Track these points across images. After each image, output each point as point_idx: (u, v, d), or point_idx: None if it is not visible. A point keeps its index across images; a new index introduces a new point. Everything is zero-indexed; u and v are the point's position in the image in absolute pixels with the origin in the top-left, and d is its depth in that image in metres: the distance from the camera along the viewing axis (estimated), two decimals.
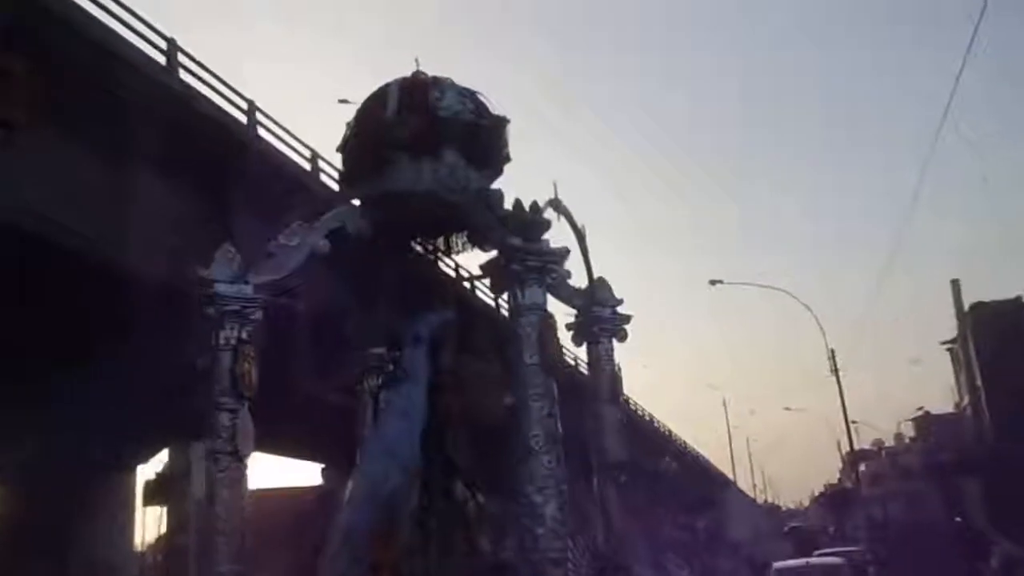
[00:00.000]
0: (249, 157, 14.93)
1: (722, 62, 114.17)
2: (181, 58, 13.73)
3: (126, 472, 18.53)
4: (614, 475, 5.29)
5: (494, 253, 5.49)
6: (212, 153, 13.46)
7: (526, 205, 5.28)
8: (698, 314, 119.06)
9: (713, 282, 30.90)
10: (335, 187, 17.74)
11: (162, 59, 13.35)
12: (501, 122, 5.71)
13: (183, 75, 13.81)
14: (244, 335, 5.13)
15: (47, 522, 15.30)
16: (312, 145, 17.07)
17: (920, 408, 38.58)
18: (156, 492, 23.30)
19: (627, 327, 6.16)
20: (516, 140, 5.78)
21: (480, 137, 5.58)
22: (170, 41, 13.41)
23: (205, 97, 14.29)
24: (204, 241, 15.22)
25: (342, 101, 24.97)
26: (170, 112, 12.38)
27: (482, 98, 5.68)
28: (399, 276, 5.71)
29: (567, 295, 5.90)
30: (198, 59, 14.00)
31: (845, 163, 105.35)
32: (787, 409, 46.17)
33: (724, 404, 48.77)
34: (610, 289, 6.14)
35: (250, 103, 15.52)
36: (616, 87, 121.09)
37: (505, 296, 5.28)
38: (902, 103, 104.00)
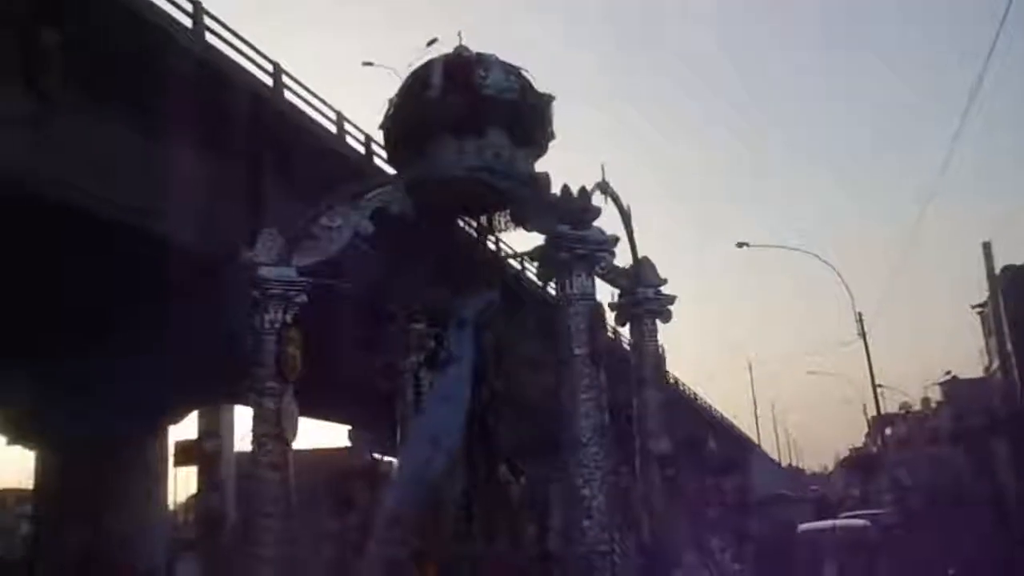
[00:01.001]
0: (276, 121, 14.86)
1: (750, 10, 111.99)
2: (207, 21, 13.62)
3: (158, 434, 18.82)
4: (661, 469, 5.21)
5: (537, 234, 5.39)
6: (241, 118, 13.40)
7: (574, 187, 5.15)
8: (724, 277, 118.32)
9: (740, 244, 30.60)
10: (361, 149, 17.71)
11: (188, 22, 13.24)
12: (546, 100, 5.57)
13: (209, 38, 13.71)
14: (288, 318, 5.08)
15: (83, 484, 15.59)
16: (338, 108, 16.96)
17: (948, 372, 38.17)
18: (188, 453, 23.78)
19: (671, 307, 6.07)
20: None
21: (525, 115, 5.45)
22: (196, 3, 13.28)
23: (232, 61, 14.20)
24: (234, 207, 15.35)
25: (367, 64, 24.49)
26: (199, 77, 12.31)
27: (527, 75, 5.54)
28: (443, 255, 5.62)
29: (612, 276, 5.80)
30: (223, 21, 13.87)
31: (877, 125, 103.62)
32: (812, 373, 46.02)
33: (749, 367, 48.56)
34: (654, 269, 6.03)
35: (276, 65, 15.38)
36: (647, 52, 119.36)
37: (553, 281, 5.16)
38: (939, 63, 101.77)
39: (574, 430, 4.75)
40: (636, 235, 5.86)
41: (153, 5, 12.48)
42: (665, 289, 6.02)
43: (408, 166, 5.49)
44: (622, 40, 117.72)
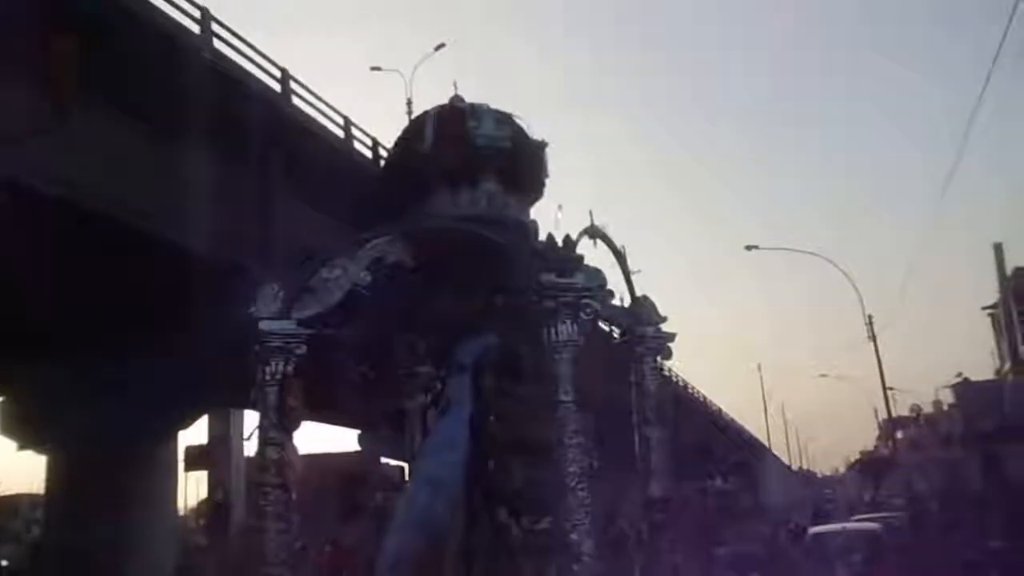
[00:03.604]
0: (285, 126, 15.04)
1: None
2: (216, 28, 13.81)
3: (169, 439, 19.01)
4: (650, 514, 5.28)
5: None
6: (250, 123, 13.59)
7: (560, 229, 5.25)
8: (733, 280, 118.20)
9: (749, 247, 30.72)
10: (368, 154, 17.88)
11: (197, 29, 13.43)
12: (539, 147, 5.68)
13: (218, 45, 13.91)
14: (289, 369, 5.19)
15: (93, 489, 15.79)
16: (345, 112, 17.14)
17: (959, 374, 38.02)
18: (198, 458, 23.95)
19: (671, 344, 6.14)
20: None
21: (518, 163, 5.57)
22: (203, 10, 13.47)
23: (241, 67, 14.41)
24: (244, 211, 15.47)
25: (374, 69, 24.86)
26: (208, 83, 12.50)
27: (520, 122, 5.65)
28: (443, 301, 5.70)
29: (609, 315, 5.87)
30: (231, 27, 14.08)
31: (886, 129, 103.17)
32: (823, 376, 45.79)
33: (759, 369, 48.49)
34: (654, 307, 6.09)
35: (284, 71, 15.61)
36: (649, 47, 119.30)
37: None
38: (951, 59, 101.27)
39: (562, 475, 4.84)
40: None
41: (163, 13, 12.68)
42: (666, 327, 6.10)
43: (405, 215, 5.59)
44: (632, 42, 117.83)
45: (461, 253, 5.46)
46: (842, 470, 64.91)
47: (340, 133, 17.27)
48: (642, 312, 6.03)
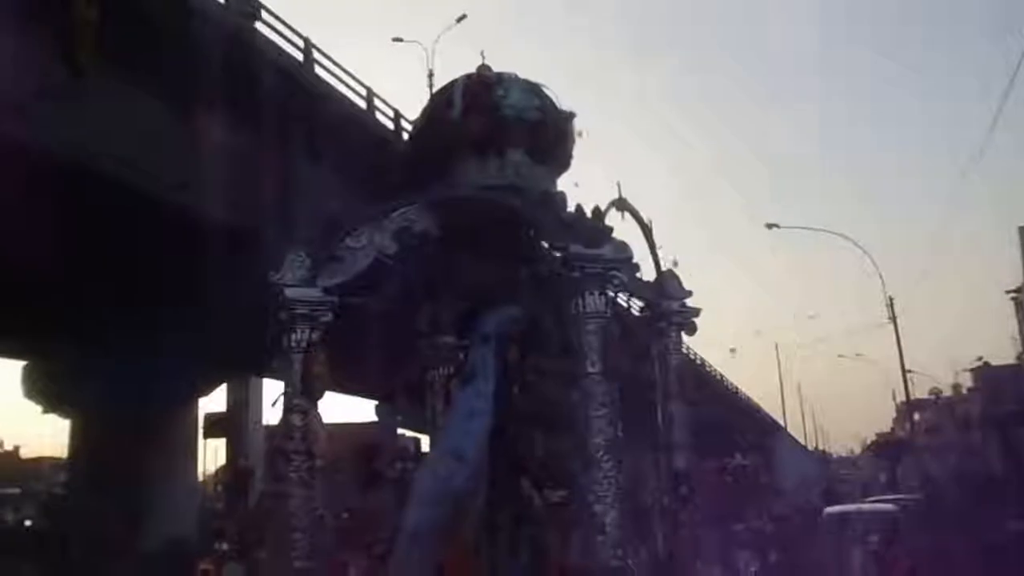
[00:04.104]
0: (306, 95, 15.00)
1: None
2: None
3: (189, 405, 19.22)
4: (675, 487, 5.27)
5: None
6: (271, 92, 13.56)
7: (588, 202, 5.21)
8: (752, 258, 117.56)
9: (769, 226, 30.54)
10: (390, 125, 17.81)
11: None
12: (567, 117, 5.63)
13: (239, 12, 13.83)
14: (314, 337, 5.19)
15: (116, 454, 16.01)
16: (368, 83, 17.06)
17: (980, 358, 37.71)
18: (216, 425, 24.21)
19: (695, 320, 6.10)
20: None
21: (546, 134, 5.53)
22: None
23: (263, 36, 14.36)
24: (264, 181, 15.45)
25: (395, 40, 24.72)
26: (230, 52, 12.45)
27: (548, 92, 5.60)
28: (468, 271, 5.69)
29: (634, 289, 5.84)
30: None
31: (909, 109, 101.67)
32: (841, 356, 45.40)
33: (776, 349, 48.23)
34: (679, 281, 6.04)
35: (306, 40, 15.54)
36: (670, 21, 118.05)
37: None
38: (978, 36, 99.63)
39: (587, 447, 4.84)
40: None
41: None
42: (690, 301, 6.06)
43: (431, 186, 5.56)
44: (659, 14, 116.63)
45: (487, 223, 5.44)
46: (857, 451, 64.73)
47: (362, 104, 17.21)
48: (667, 286, 5.99)
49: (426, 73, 24.47)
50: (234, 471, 22.61)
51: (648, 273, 5.99)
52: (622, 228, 5.68)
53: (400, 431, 12.94)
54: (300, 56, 15.38)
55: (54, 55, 10.54)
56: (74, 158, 11.28)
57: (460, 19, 25.81)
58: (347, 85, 16.68)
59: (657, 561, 5.14)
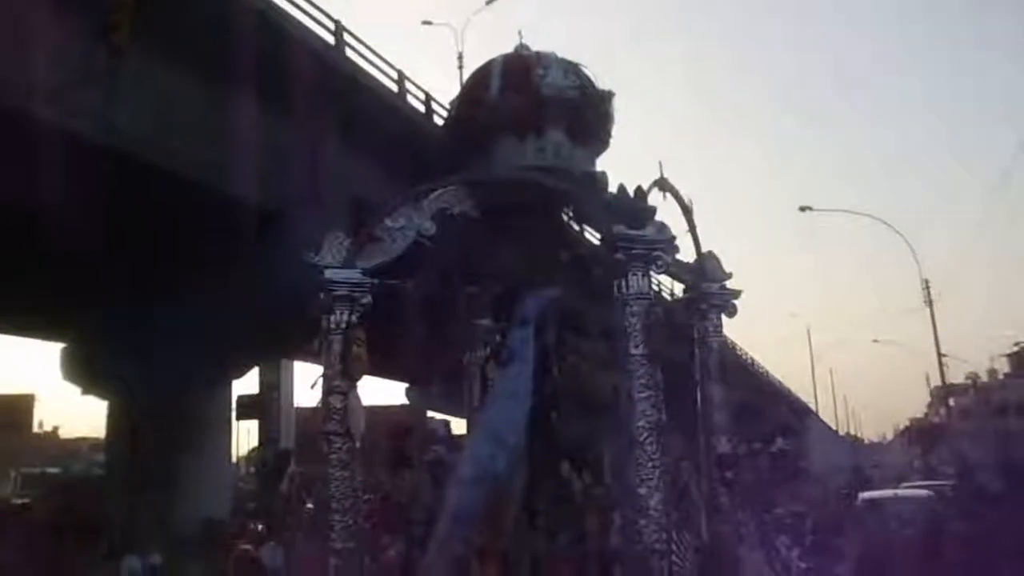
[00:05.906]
0: (337, 78, 15.01)
1: None
2: None
3: (223, 387, 19.41)
4: (720, 471, 5.21)
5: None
6: (303, 75, 13.58)
7: (631, 182, 5.13)
8: (786, 241, 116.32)
9: (803, 208, 30.14)
10: (420, 108, 17.78)
11: None
12: (606, 97, 5.55)
13: None
14: (354, 319, 5.19)
15: (156, 432, 16.22)
16: (398, 66, 17.03)
17: (1017, 343, 37.10)
18: (249, 407, 24.46)
19: (736, 302, 6.02)
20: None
21: (584, 113, 5.45)
22: None
23: (295, 19, 14.37)
24: (296, 164, 15.52)
25: (425, 23, 24.74)
26: (262, 35, 12.48)
27: (586, 71, 5.52)
28: (507, 253, 5.64)
29: (675, 271, 5.77)
30: None
31: (950, 90, 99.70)
32: (875, 341, 44.84)
33: (808, 333, 47.82)
34: (719, 263, 5.97)
35: (337, 23, 15.52)
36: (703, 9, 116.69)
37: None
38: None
39: (630, 429, 4.79)
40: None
41: None
42: (730, 283, 5.98)
43: (469, 166, 5.52)
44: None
45: (526, 204, 5.39)
46: (890, 437, 64.09)
47: (393, 87, 17.18)
48: (708, 268, 5.91)
49: (455, 55, 24.44)
50: (275, 453, 22.86)
51: (687, 254, 5.95)
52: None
53: (430, 414, 12.98)
54: (332, 39, 15.38)
55: (94, 40, 10.61)
56: (112, 141, 11.38)
57: (490, 1, 25.69)
58: (378, 68, 16.67)
59: (699, 545, 5.08)
